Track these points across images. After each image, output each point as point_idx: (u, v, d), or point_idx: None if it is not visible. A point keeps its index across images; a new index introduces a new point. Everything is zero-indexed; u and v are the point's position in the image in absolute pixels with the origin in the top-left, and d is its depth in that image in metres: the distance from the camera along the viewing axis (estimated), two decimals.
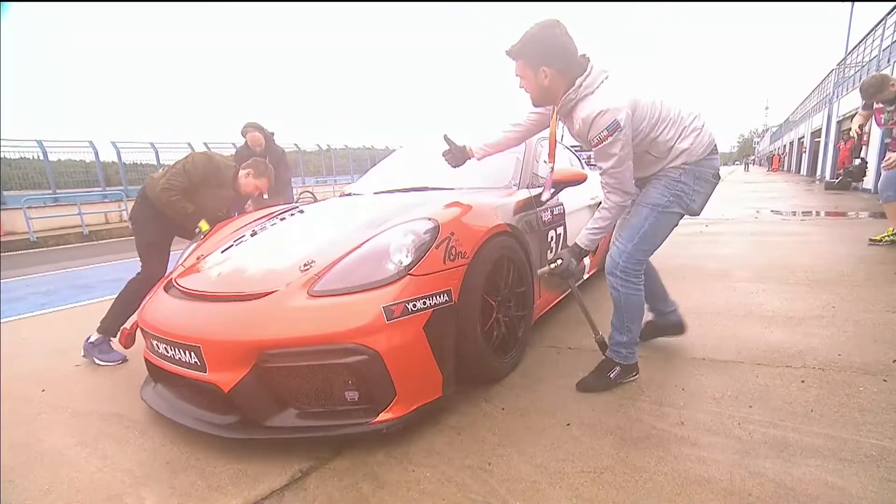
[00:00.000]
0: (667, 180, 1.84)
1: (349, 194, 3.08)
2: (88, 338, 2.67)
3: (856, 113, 4.57)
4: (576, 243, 1.89)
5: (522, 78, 1.77)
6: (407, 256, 1.66)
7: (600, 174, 1.78)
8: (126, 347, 2.05)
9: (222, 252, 2.17)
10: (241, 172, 2.99)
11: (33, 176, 13.90)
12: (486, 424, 1.72)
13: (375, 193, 2.83)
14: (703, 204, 1.91)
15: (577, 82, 1.68)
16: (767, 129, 64.59)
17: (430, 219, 1.81)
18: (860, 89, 4.06)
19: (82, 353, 2.68)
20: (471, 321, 1.79)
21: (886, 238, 4.38)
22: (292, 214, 2.54)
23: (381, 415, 1.55)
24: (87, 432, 1.87)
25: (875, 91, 3.92)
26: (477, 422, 1.74)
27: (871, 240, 4.52)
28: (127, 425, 1.89)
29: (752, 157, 58.31)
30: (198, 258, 2.24)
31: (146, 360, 1.92)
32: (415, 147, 3.51)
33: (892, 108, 3.90)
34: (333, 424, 1.56)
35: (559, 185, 2.46)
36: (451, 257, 1.73)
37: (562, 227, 2.72)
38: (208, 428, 1.63)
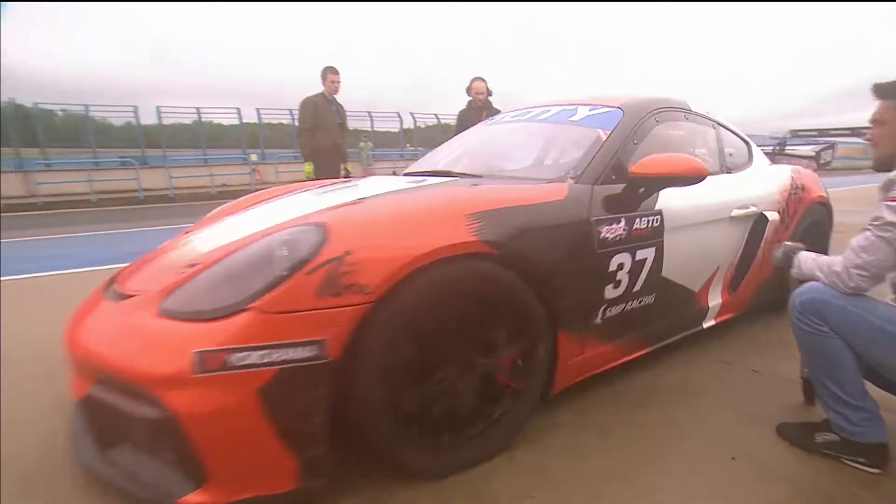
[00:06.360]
0: None
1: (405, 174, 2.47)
2: None
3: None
4: (797, 255, 1.56)
5: (880, 124, 1.40)
6: (259, 280, 1.15)
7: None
8: None
9: (182, 243, 1.83)
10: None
11: (188, 139, 16.74)
12: (634, 432, 1.63)
13: (406, 175, 2.37)
14: None
15: None
16: None
17: (318, 224, 1.26)
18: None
19: None
20: (372, 389, 1.22)
21: None
22: (286, 196, 2.14)
23: (191, 496, 1.11)
24: None
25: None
26: (622, 425, 1.66)
27: None
28: None
29: None
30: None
31: None
32: (480, 129, 2.91)
33: None
34: (133, 486, 1.18)
35: (653, 182, 1.71)
36: (336, 291, 1.14)
37: (653, 248, 1.80)
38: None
